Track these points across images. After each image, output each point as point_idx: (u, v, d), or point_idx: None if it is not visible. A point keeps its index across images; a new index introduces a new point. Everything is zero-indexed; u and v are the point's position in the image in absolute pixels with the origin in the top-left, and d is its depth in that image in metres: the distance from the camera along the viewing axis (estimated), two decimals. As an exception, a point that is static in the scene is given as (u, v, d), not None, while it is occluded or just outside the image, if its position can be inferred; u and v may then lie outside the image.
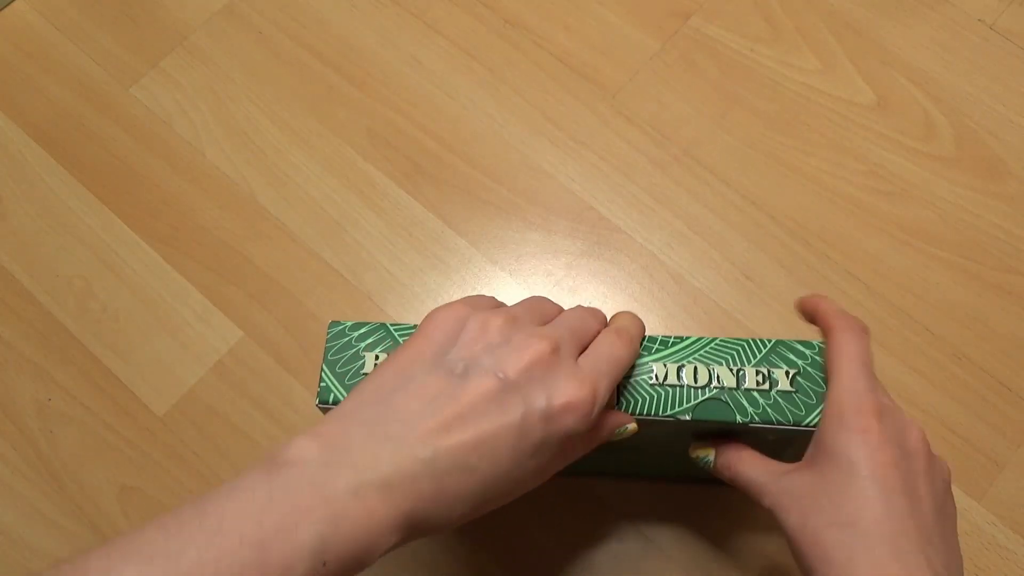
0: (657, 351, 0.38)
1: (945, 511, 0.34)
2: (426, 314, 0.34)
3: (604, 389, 0.33)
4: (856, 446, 0.32)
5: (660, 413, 0.36)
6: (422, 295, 0.54)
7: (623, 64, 0.60)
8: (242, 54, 0.61)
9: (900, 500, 0.31)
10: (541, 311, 0.36)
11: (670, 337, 0.38)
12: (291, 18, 0.62)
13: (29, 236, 0.57)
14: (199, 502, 0.27)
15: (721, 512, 0.48)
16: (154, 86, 0.61)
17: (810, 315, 0.38)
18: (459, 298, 0.35)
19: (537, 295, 0.38)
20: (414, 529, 0.29)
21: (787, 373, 0.37)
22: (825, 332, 0.36)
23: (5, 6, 0.63)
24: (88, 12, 0.63)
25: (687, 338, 0.38)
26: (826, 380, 0.36)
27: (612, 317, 0.38)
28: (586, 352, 0.34)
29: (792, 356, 0.37)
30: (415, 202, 0.57)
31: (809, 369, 0.37)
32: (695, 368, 0.37)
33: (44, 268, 0.56)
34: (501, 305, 0.36)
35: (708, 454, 0.39)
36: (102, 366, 0.53)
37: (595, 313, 0.37)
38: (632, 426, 0.36)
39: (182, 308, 0.54)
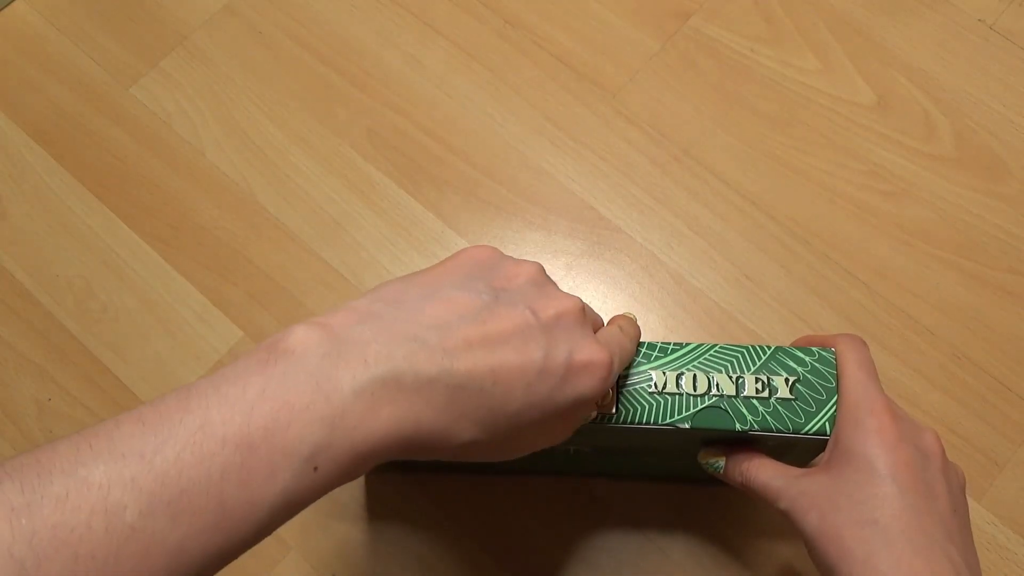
0: (656, 358, 0.37)
1: (961, 512, 0.34)
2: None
3: (617, 365, 0.32)
4: (873, 445, 0.33)
5: (659, 421, 0.36)
6: (422, 295, 0.54)
7: (623, 64, 0.60)
8: (242, 54, 0.61)
9: (918, 498, 0.32)
10: None
11: (669, 344, 0.38)
12: (291, 18, 0.62)
13: (29, 236, 0.56)
14: (184, 393, 0.25)
15: (721, 512, 0.48)
16: (154, 86, 0.61)
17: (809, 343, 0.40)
18: None
19: None
20: (415, 444, 0.27)
21: (786, 381, 0.37)
22: (832, 346, 0.37)
23: (5, 6, 0.63)
24: (88, 12, 0.63)
25: (686, 345, 0.38)
26: (834, 391, 0.36)
27: (609, 321, 0.38)
28: (602, 329, 0.35)
29: (792, 363, 0.37)
30: (415, 202, 0.57)
31: (808, 376, 0.37)
32: (694, 376, 0.37)
33: (44, 268, 0.55)
34: None
35: (719, 460, 0.39)
36: (102, 366, 0.53)
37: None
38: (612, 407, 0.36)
39: (182, 308, 0.54)
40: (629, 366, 0.37)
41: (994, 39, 0.60)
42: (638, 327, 0.37)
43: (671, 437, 0.37)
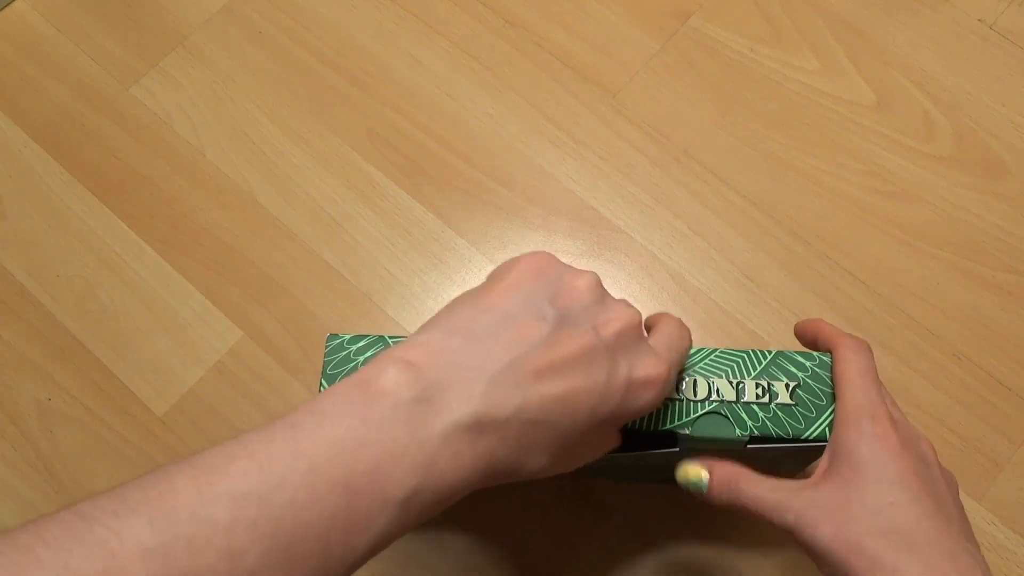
0: None
1: (963, 515, 0.34)
2: (504, 262, 0.33)
3: (674, 373, 0.33)
4: (878, 451, 0.32)
5: (660, 427, 0.36)
6: (422, 295, 0.54)
7: (623, 64, 0.60)
8: (242, 54, 0.61)
9: (930, 503, 0.32)
10: None
11: None
12: (291, 18, 0.62)
13: (29, 236, 0.56)
14: (291, 431, 0.26)
15: (721, 512, 0.48)
16: (154, 86, 0.61)
17: (811, 338, 0.38)
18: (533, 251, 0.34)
19: None
20: (489, 477, 0.28)
21: (787, 386, 0.36)
22: (831, 349, 0.37)
23: (5, 6, 0.63)
24: (88, 12, 0.63)
25: None
26: (835, 394, 0.36)
27: (657, 322, 0.37)
28: (653, 334, 0.34)
29: (792, 368, 0.37)
30: (415, 202, 0.57)
31: (809, 382, 0.36)
32: (695, 381, 0.37)
33: (44, 268, 0.55)
34: None
35: (700, 477, 0.36)
36: (102, 366, 0.53)
37: None
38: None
39: (182, 308, 0.54)
40: None
41: (994, 39, 0.60)
42: (688, 328, 0.37)
43: (672, 457, 0.37)
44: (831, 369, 0.36)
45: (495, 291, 0.31)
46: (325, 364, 0.38)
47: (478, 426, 0.27)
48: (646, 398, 0.31)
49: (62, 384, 0.53)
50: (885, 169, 0.56)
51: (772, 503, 0.34)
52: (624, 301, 0.33)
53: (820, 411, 0.36)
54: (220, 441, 0.24)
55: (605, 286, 0.33)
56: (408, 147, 0.58)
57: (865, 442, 0.33)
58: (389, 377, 0.27)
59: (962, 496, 0.48)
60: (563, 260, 0.33)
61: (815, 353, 0.37)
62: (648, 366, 0.31)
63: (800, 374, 0.37)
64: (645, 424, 0.36)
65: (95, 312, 0.54)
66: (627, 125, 0.58)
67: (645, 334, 0.33)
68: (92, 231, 0.56)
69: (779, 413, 0.36)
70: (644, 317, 0.38)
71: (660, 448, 0.37)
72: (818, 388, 0.36)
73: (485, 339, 0.29)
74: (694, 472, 0.36)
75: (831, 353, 0.37)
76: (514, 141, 0.58)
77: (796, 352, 0.37)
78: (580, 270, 0.32)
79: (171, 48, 0.62)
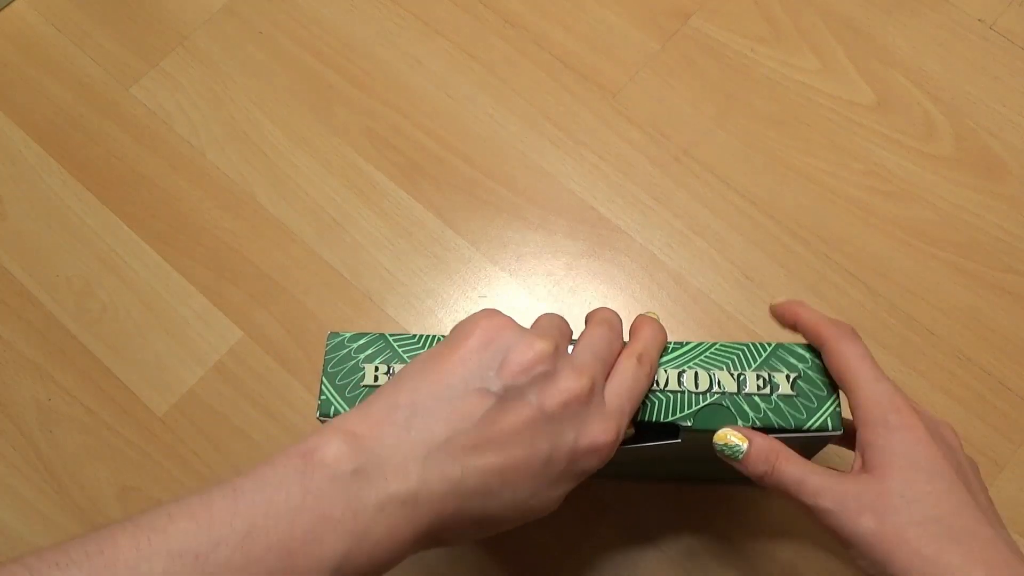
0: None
1: (990, 499, 0.35)
2: (466, 317, 0.34)
3: (624, 426, 0.34)
4: (909, 443, 0.33)
5: (661, 419, 0.36)
6: (422, 295, 0.54)
7: (623, 64, 0.60)
8: (242, 54, 0.61)
9: (963, 491, 0.32)
10: (565, 332, 0.35)
11: (670, 343, 0.38)
12: (291, 18, 0.62)
13: (29, 236, 0.57)
14: (232, 493, 0.27)
15: (721, 511, 0.48)
16: (154, 86, 0.61)
17: (791, 322, 0.38)
18: (489, 310, 0.34)
19: (551, 313, 0.37)
20: (435, 542, 0.30)
21: (788, 377, 0.36)
22: (820, 343, 0.36)
23: (5, 6, 0.63)
24: (88, 12, 0.63)
25: (687, 343, 0.38)
26: (836, 387, 0.36)
27: (634, 323, 0.37)
28: (610, 381, 0.34)
29: (792, 360, 0.37)
30: (415, 202, 0.57)
31: (809, 372, 0.37)
32: (696, 373, 0.37)
33: (44, 268, 0.56)
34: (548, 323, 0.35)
35: (741, 442, 0.35)
36: (102, 366, 0.53)
37: (614, 326, 0.36)
38: (630, 430, 0.36)
39: (182, 308, 0.54)
40: None
41: (994, 39, 0.60)
42: (662, 337, 0.37)
43: (673, 449, 0.37)
44: (825, 361, 0.36)
45: (445, 362, 0.32)
46: (326, 362, 0.38)
47: (414, 500, 0.29)
48: (591, 462, 0.33)
49: (62, 384, 0.53)
50: (885, 169, 0.56)
51: (812, 486, 0.33)
52: (578, 366, 0.33)
53: (821, 401, 0.36)
54: (220, 440, 0.24)
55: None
56: (408, 147, 0.58)
57: (896, 435, 0.33)
58: (331, 448, 0.28)
59: (962, 496, 0.48)
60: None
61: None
62: (595, 432, 0.32)
63: (800, 365, 0.37)
64: (647, 416, 0.36)
65: (95, 312, 0.54)
66: (627, 125, 0.58)
67: (598, 392, 0.33)
68: (92, 231, 0.56)
69: (781, 404, 0.36)
70: (640, 317, 0.38)
71: (662, 440, 0.37)
72: (819, 379, 0.36)
73: (428, 413, 0.31)
74: (735, 436, 0.35)
75: (821, 346, 0.36)
76: (514, 141, 0.58)
77: (796, 344, 0.37)
78: (533, 337, 0.32)
79: (171, 48, 0.62)
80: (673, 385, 0.36)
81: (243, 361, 0.53)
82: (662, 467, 0.45)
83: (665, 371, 0.37)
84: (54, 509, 0.50)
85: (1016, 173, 0.56)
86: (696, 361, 0.37)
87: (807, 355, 0.37)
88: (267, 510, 0.26)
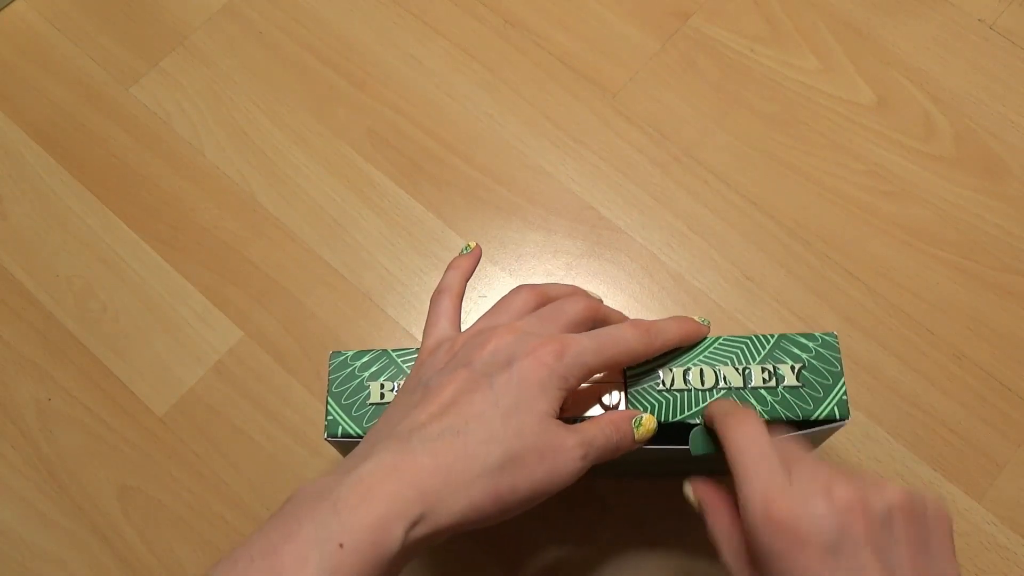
0: (662, 356, 0.37)
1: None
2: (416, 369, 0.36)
3: (585, 350, 0.33)
4: (779, 553, 0.30)
5: (670, 419, 0.36)
6: (422, 295, 0.54)
7: (623, 64, 0.60)
8: (242, 54, 0.61)
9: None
10: (522, 311, 0.37)
11: None
12: (291, 18, 0.62)
13: (29, 236, 0.57)
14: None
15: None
16: (154, 86, 0.61)
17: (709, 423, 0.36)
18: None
19: (515, 289, 0.38)
20: (428, 520, 0.29)
21: (792, 368, 0.36)
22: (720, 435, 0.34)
23: (5, 6, 0.63)
24: (88, 12, 0.63)
25: None
26: (840, 373, 0.36)
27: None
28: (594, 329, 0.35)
29: (796, 350, 0.37)
30: (415, 202, 0.57)
31: (813, 362, 0.37)
32: (701, 370, 0.37)
33: (44, 268, 0.55)
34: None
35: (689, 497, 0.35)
36: (102, 366, 0.53)
37: (574, 293, 0.38)
38: (647, 416, 0.35)
39: (182, 308, 0.54)
40: (637, 365, 0.37)
41: (994, 39, 0.60)
42: (689, 329, 0.37)
43: (680, 451, 0.37)
44: (836, 348, 0.37)
45: (404, 384, 0.35)
46: (330, 382, 0.38)
47: (395, 470, 0.29)
48: (534, 365, 0.32)
49: (62, 384, 0.53)
50: (885, 169, 0.56)
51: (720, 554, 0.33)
52: (506, 326, 0.35)
53: (828, 391, 0.36)
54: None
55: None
56: (408, 147, 0.58)
57: (777, 542, 0.30)
58: (311, 566, 0.28)
59: (962, 496, 0.48)
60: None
61: (817, 333, 0.38)
62: (528, 347, 0.32)
63: (804, 355, 0.37)
64: (656, 416, 0.36)
65: (95, 312, 0.54)
66: (627, 125, 0.58)
67: (532, 332, 0.34)
68: (92, 231, 0.56)
69: (787, 396, 0.36)
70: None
71: (671, 441, 0.37)
72: (824, 368, 0.36)
73: (383, 426, 0.33)
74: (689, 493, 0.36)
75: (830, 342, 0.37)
76: (514, 141, 0.58)
77: (799, 334, 0.37)
78: (468, 332, 0.35)
79: (171, 48, 0.62)
80: (679, 384, 0.36)
81: (243, 361, 0.53)
82: (665, 465, 0.45)
83: (671, 370, 0.37)
84: (54, 509, 0.50)
85: (1016, 173, 0.56)
86: (701, 358, 0.37)
87: (810, 344, 0.37)
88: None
